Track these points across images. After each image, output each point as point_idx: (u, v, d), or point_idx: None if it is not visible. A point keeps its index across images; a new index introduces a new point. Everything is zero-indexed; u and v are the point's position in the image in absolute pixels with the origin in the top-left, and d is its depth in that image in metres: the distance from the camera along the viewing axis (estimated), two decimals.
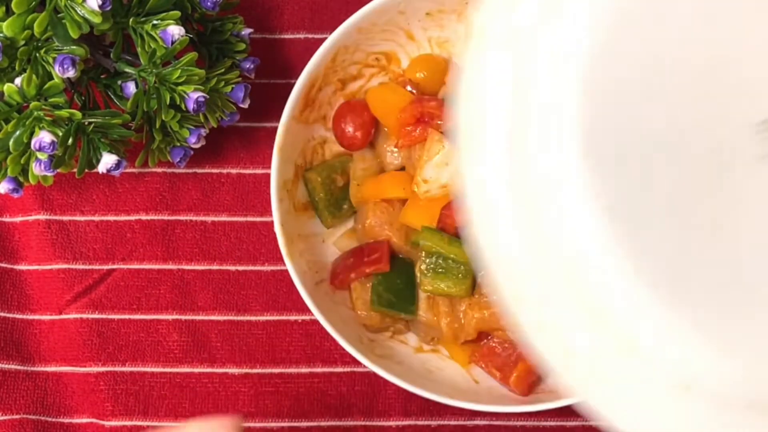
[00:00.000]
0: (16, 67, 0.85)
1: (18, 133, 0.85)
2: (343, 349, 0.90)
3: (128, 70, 0.89)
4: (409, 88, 0.97)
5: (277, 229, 0.91)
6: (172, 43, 0.86)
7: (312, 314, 0.90)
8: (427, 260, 0.92)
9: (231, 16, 0.97)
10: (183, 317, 1.01)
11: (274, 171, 0.92)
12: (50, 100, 0.85)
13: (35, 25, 0.81)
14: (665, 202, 0.59)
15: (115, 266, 1.02)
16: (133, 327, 1.01)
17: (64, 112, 0.85)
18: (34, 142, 0.84)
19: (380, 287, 0.94)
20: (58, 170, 0.87)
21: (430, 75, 0.98)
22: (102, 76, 0.92)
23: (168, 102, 0.88)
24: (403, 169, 0.97)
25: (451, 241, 0.91)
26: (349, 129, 0.97)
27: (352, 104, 0.98)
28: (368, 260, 0.94)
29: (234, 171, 1.04)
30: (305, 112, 0.95)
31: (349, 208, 0.99)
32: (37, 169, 0.86)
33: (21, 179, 0.89)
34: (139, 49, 0.87)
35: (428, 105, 0.93)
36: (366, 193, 0.97)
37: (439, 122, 0.92)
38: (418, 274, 0.93)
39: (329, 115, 0.99)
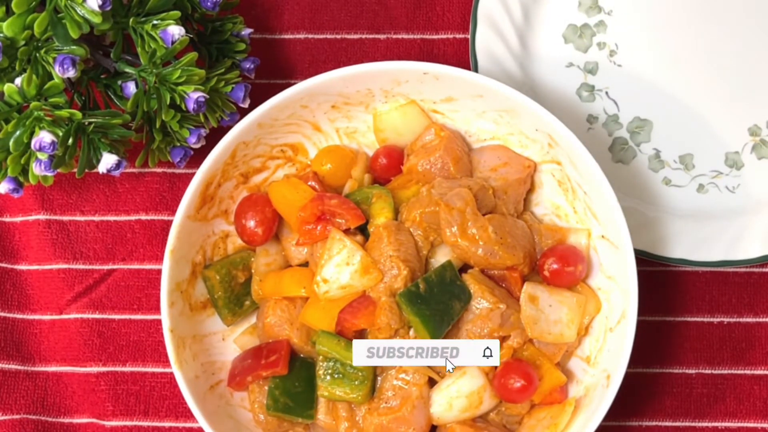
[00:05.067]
0: (16, 67, 0.85)
1: (18, 133, 0.85)
2: None
3: (128, 70, 0.89)
4: (312, 183, 0.92)
5: (167, 335, 0.88)
6: (172, 43, 0.85)
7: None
8: (324, 365, 0.87)
9: (231, 16, 0.97)
10: None
11: (164, 274, 0.88)
12: (50, 100, 0.85)
13: (35, 25, 0.81)
14: None
15: (115, 266, 1.02)
16: (133, 327, 1.01)
17: (64, 112, 0.85)
18: (34, 142, 0.84)
19: (277, 391, 0.89)
20: (58, 170, 0.87)
21: (336, 167, 0.94)
22: (102, 76, 0.92)
23: (168, 102, 0.88)
24: (307, 264, 0.92)
25: (349, 347, 0.86)
26: (250, 224, 0.92)
27: (254, 199, 0.93)
28: (265, 363, 0.89)
29: None
30: (203, 210, 0.92)
31: (251, 303, 0.95)
32: (37, 169, 0.86)
33: (21, 179, 0.89)
34: (139, 49, 0.87)
35: (329, 203, 0.88)
36: (267, 290, 0.92)
37: (340, 221, 0.88)
38: (317, 378, 0.89)
39: (231, 209, 0.95)
